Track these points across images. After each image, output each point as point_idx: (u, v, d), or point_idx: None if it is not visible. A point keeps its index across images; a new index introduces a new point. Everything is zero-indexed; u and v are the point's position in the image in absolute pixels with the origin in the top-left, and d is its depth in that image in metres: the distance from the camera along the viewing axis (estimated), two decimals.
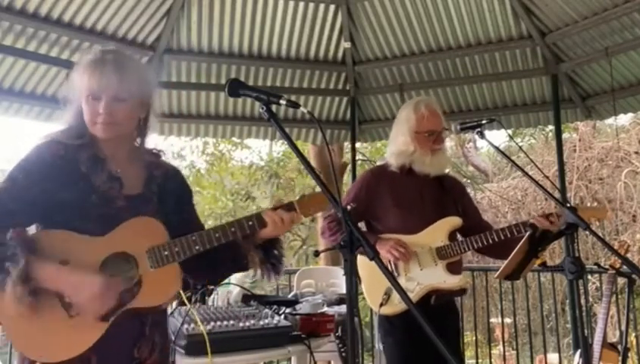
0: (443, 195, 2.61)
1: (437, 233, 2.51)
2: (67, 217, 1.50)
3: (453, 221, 2.53)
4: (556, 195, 3.16)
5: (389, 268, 2.48)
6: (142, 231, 1.55)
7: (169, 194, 1.68)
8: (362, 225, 2.69)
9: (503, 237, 2.43)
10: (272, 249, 1.74)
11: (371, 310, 4.49)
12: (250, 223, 1.63)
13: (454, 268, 2.50)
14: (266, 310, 2.46)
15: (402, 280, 2.46)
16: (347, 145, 8.04)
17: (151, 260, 1.53)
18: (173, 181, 1.73)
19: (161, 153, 1.73)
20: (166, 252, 1.54)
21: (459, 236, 2.58)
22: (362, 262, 2.57)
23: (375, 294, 2.47)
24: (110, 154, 1.61)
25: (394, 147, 2.64)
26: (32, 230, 1.53)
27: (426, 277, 2.47)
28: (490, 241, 2.44)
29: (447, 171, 2.80)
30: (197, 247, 1.57)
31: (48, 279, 1.43)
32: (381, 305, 2.44)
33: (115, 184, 1.58)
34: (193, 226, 1.68)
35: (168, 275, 1.56)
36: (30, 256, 1.41)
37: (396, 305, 2.42)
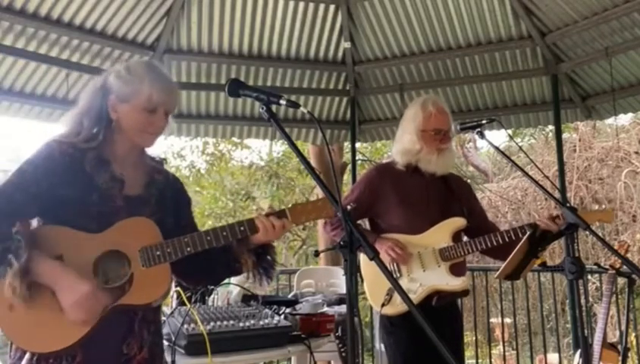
0: (448, 195, 2.57)
1: (441, 233, 2.47)
2: (67, 213, 1.54)
3: (458, 222, 2.49)
4: (556, 195, 3.16)
5: (391, 268, 2.47)
6: (137, 231, 1.59)
7: (168, 199, 1.73)
8: (365, 223, 2.67)
9: (507, 240, 2.39)
10: (265, 255, 1.77)
11: (372, 310, 4.49)
12: (242, 228, 1.66)
13: (457, 270, 2.47)
14: (266, 310, 2.45)
15: (404, 281, 2.44)
16: (347, 145, 8.04)
17: (143, 259, 1.57)
18: (172, 187, 1.79)
19: (164, 161, 1.81)
20: (158, 252, 1.58)
21: (464, 237, 2.54)
22: (365, 261, 2.56)
23: (378, 294, 2.45)
24: (117, 157, 1.65)
25: (400, 145, 2.59)
26: (33, 223, 1.58)
27: (429, 278, 2.45)
28: (495, 243, 2.40)
29: None
30: (189, 248, 1.61)
31: (44, 275, 1.47)
32: (383, 305, 2.42)
33: (117, 184, 1.62)
34: (189, 231, 1.71)
35: (159, 275, 1.60)
36: (32, 251, 1.45)
37: (398, 306, 2.40)
